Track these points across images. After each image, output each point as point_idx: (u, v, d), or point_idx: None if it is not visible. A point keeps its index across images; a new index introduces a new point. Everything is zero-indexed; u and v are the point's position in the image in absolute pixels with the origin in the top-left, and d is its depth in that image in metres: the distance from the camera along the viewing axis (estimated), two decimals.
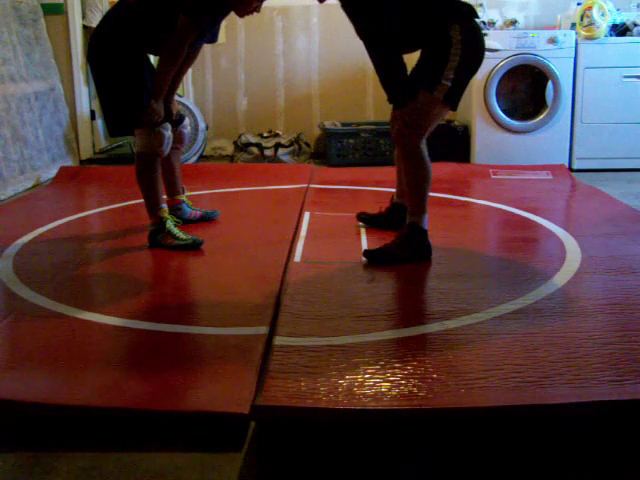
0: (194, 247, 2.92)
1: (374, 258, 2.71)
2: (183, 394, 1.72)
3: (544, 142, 4.78)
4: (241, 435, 1.58)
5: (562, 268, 2.59)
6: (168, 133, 2.91)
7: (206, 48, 5.30)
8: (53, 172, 4.76)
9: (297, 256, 2.80)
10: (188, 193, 3.40)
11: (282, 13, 5.46)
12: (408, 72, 2.67)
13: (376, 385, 1.70)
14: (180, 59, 2.80)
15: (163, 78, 2.81)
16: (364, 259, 2.72)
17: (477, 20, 2.66)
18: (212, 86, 5.62)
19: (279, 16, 5.46)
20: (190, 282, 2.75)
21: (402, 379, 1.73)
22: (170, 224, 2.95)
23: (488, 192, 4.07)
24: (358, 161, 5.11)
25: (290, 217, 3.42)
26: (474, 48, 2.61)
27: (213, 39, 3.10)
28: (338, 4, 2.63)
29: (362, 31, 2.61)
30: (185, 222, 3.20)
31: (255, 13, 2.87)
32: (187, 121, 3.22)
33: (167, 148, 2.94)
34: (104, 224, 3.63)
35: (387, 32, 2.57)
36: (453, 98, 2.62)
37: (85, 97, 5.46)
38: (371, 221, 3.20)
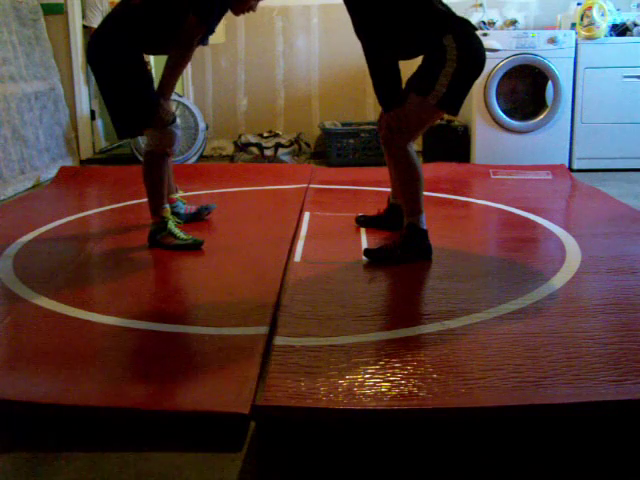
0: (194, 247, 2.93)
1: (375, 257, 2.71)
2: (183, 394, 1.72)
3: (544, 142, 4.77)
4: (241, 435, 1.58)
5: (562, 268, 2.59)
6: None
7: (206, 48, 5.30)
8: (53, 172, 4.76)
9: (297, 256, 2.80)
10: (183, 193, 3.40)
11: (282, 13, 5.46)
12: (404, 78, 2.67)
13: (376, 385, 1.70)
14: (188, 58, 2.85)
15: (172, 77, 2.84)
16: (364, 258, 2.72)
17: (474, 31, 2.64)
18: (212, 86, 5.61)
19: (279, 16, 5.46)
20: (190, 282, 2.74)
21: (402, 379, 1.73)
22: (172, 224, 2.96)
23: (488, 192, 4.06)
24: (358, 161, 5.10)
25: (290, 217, 3.42)
26: (471, 54, 2.59)
27: (206, 41, 3.11)
28: (338, 4, 2.63)
29: (362, 29, 2.60)
30: (184, 219, 3.21)
31: (251, 12, 2.88)
32: (178, 120, 3.24)
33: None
34: (104, 224, 3.63)
35: (386, 34, 2.57)
36: (450, 103, 2.62)
37: (85, 97, 5.47)
38: (369, 223, 3.20)
